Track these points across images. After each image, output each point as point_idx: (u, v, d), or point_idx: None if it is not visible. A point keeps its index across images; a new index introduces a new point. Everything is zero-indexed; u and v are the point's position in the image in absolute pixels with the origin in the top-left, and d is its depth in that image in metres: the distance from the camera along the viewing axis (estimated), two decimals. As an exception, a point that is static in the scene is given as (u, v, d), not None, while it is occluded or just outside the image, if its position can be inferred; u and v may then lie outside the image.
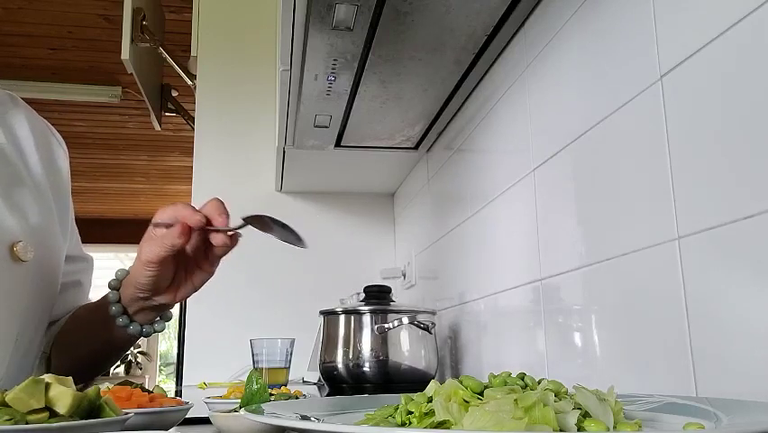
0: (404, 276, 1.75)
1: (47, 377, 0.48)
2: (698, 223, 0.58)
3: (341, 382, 1.19)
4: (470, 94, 1.21)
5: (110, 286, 0.77)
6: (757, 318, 0.51)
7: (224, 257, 0.75)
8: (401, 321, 1.17)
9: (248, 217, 0.71)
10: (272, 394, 0.80)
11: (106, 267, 1.54)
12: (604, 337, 0.75)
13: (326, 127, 1.35)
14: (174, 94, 2.37)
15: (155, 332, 0.81)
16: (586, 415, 0.39)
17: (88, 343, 0.82)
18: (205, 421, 0.74)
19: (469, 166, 1.24)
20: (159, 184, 4.95)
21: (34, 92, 3.13)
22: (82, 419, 0.47)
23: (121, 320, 0.76)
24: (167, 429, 0.64)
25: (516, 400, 0.37)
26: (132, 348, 4.06)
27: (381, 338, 1.17)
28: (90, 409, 0.49)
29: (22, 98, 0.87)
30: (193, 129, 1.92)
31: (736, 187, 0.53)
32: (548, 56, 0.89)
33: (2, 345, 0.72)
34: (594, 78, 0.77)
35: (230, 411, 0.66)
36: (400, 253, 1.86)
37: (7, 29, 2.83)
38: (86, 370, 0.84)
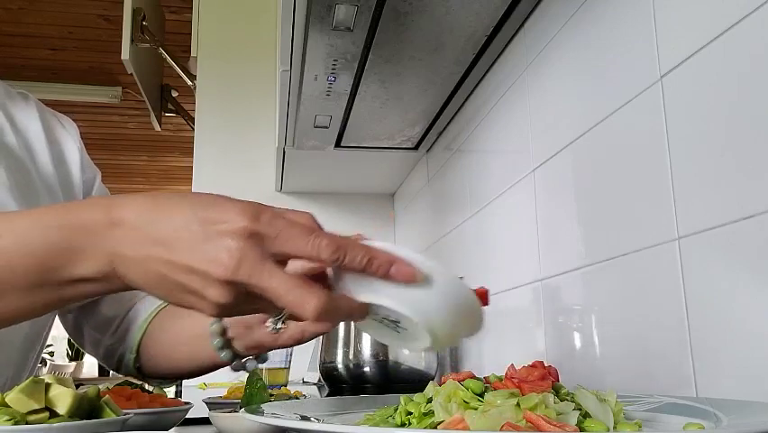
0: (404, 276, 1.75)
1: (47, 377, 0.48)
2: (698, 223, 0.58)
3: (341, 383, 1.19)
4: (470, 94, 1.21)
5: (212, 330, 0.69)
6: (757, 318, 0.50)
7: None
8: (401, 321, 1.17)
9: None
10: (272, 395, 0.80)
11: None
12: (604, 337, 0.75)
13: (326, 127, 1.35)
14: (174, 94, 2.37)
15: (245, 370, 0.73)
16: (586, 415, 0.39)
17: (177, 363, 0.79)
18: (205, 421, 0.74)
19: (469, 166, 1.24)
20: (159, 184, 4.94)
21: (34, 92, 3.10)
22: (82, 419, 0.47)
23: (224, 355, 0.69)
24: (167, 429, 0.64)
25: (518, 402, 0.37)
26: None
27: (381, 338, 1.17)
28: (90, 409, 0.49)
29: None
30: (193, 129, 1.92)
31: (736, 187, 0.53)
32: (548, 56, 0.89)
33: (12, 346, 0.72)
34: (594, 78, 0.77)
35: (230, 412, 0.66)
36: (400, 253, 1.86)
37: (7, 29, 2.83)
38: (179, 378, 0.82)
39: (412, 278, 0.41)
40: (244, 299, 0.43)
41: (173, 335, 0.79)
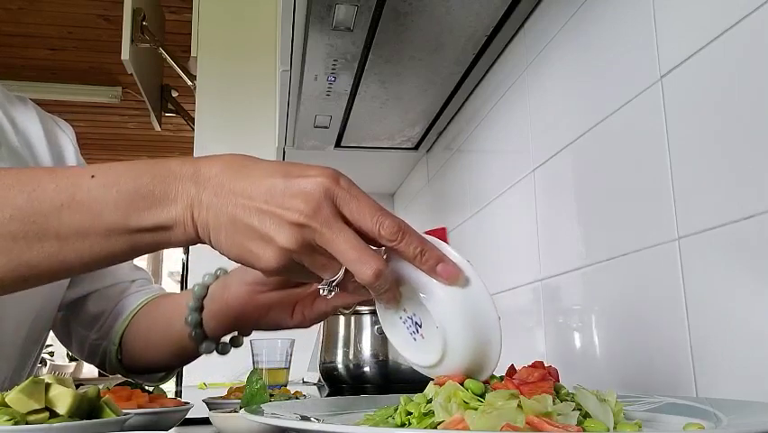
0: (404, 276, 1.75)
1: (47, 377, 0.48)
2: (698, 223, 0.58)
3: (341, 383, 1.19)
4: (470, 94, 1.21)
5: (194, 293, 0.69)
6: (757, 318, 0.50)
7: None
8: (401, 321, 1.17)
9: None
10: (272, 395, 0.80)
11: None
12: (604, 337, 0.75)
13: (326, 128, 1.35)
14: (174, 94, 2.37)
15: (223, 353, 0.71)
16: (586, 415, 0.39)
17: (156, 353, 0.78)
18: (205, 422, 0.74)
19: (469, 166, 1.24)
20: (159, 184, 4.93)
21: (34, 93, 3.13)
22: (82, 419, 0.47)
23: (194, 333, 0.69)
24: (167, 429, 0.64)
25: (519, 405, 0.37)
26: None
27: (381, 339, 1.17)
28: (90, 409, 0.49)
29: None
30: (193, 129, 1.92)
31: (736, 187, 0.53)
32: (548, 56, 0.89)
33: (11, 346, 0.72)
34: (594, 78, 0.77)
35: (230, 412, 0.66)
36: (400, 253, 1.86)
37: (7, 29, 2.84)
38: (158, 371, 0.81)
39: (454, 279, 0.43)
40: (307, 253, 0.44)
41: (152, 326, 0.79)
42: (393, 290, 0.45)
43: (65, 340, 0.87)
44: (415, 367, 0.47)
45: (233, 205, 0.45)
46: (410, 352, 0.47)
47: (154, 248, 0.51)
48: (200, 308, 0.69)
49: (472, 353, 0.43)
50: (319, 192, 0.44)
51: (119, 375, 0.85)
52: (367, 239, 0.45)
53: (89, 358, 0.85)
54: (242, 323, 0.68)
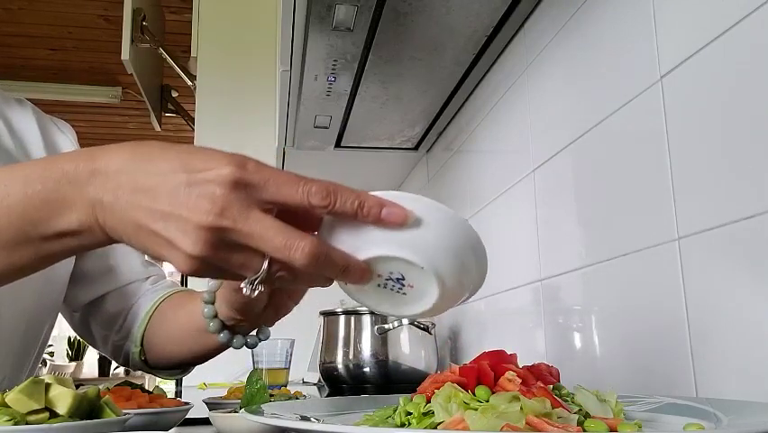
0: (404, 276, 1.75)
1: (47, 377, 0.48)
2: (698, 223, 0.58)
3: (341, 383, 1.19)
4: (470, 94, 1.21)
5: (204, 300, 0.66)
6: (757, 318, 0.50)
7: None
8: (401, 322, 1.17)
9: None
10: (272, 395, 0.80)
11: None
12: (604, 337, 0.75)
13: (326, 128, 1.35)
14: (174, 94, 2.37)
15: (252, 346, 0.69)
16: (586, 416, 0.39)
17: (183, 351, 0.76)
18: (205, 422, 0.74)
19: (469, 166, 1.24)
20: (159, 184, 4.93)
21: (34, 92, 3.14)
22: (82, 419, 0.47)
23: (222, 336, 0.65)
24: (167, 430, 0.64)
25: (521, 407, 0.37)
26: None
27: (381, 339, 1.17)
28: (90, 409, 0.49)
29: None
30: (193, 129, 1.93)
31: (736, 187, 0.53)
32: (548, 56, 0.89)
33: (7, 345, 0.72)
34: (594, 78, 0.77)
35: (230, 412, 0.66)
36: (400, 253, 1.86)
37: (7, 29, 2.84)
38: (183, 366, 0.80)
39: (404, 219, 0.40)
40: (221, 254, 0.41)
41: (176, 326, 0.78)
42: (356, 265, 0.41)
43: (87, 338, 0.87)
44: (419, 317, 0.45)
45: (135, 207, 0.42)
46: (405, 308, 0.45)
47: (67, 254, 0.48)
48: (214, 301, 0.66)
49: (465, 260, 0.41)
50: (225, 186, 0.40)
51: (119, 375, 0.85)
52: (299, 220, 0.42)
53: (113, 357, 0.85)
54: (248, 312, 0.65)
